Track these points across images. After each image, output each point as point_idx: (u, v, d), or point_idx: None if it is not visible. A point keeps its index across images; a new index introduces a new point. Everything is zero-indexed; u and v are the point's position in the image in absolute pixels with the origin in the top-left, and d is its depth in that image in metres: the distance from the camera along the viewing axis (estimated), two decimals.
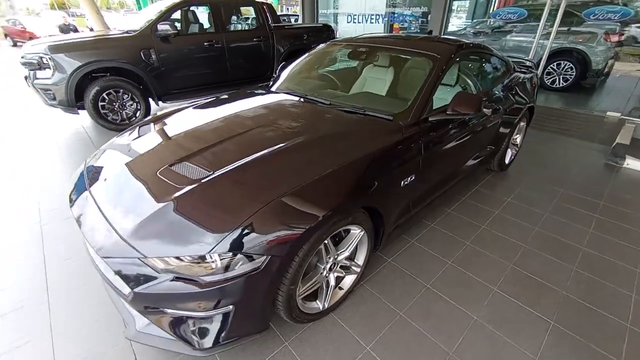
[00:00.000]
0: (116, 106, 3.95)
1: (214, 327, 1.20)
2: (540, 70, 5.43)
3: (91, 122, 4.32)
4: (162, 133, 1.73)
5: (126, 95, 4.00)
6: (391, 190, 1.58)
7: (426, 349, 1.47)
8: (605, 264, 2.02)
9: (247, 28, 5.41)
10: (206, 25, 4.73)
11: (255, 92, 2.37)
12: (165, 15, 4.14)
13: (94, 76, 3.81)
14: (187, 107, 2.09)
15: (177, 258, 1.10)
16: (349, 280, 1.69)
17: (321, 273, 1.49)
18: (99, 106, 3.82)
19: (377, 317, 1.63)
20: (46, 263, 1.93)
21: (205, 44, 4.46)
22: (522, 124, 3.12)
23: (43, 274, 1.85)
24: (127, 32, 4.05)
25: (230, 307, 1.17)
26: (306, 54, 2.68)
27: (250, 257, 1.13)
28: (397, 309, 1.67)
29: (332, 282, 1.57)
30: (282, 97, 2.15)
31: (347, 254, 1.57)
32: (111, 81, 3.83)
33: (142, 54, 3.93)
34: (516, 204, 2.64)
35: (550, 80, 6.11)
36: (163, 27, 4.00)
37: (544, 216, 2.48)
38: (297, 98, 2.10)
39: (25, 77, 3.74)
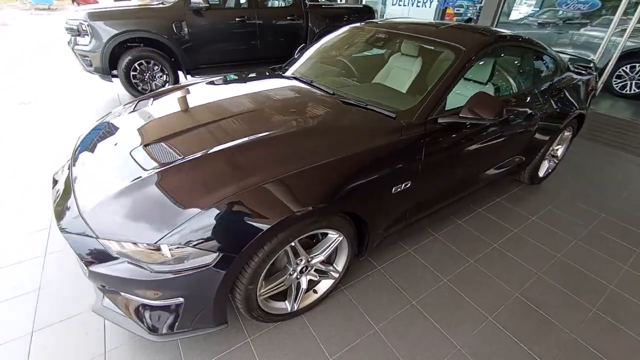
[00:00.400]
0: (147, 77, 4.08)
1: (167, 316, 1.18)
2: (607, 72, 4.69)
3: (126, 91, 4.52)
4: (153, 110, 1.71)
5: (157, 67, 4.10)
6: (379, 196, 1.43)
7: None
8: (635, 310, 1.71)
9: (282, 5, 5.25)
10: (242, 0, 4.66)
11: (266, 73, 2.28)
12: None
13: (128, 45, 3.94)
14: (190, 84, 2.05)
15: (134, 243, 1.07)
16: (325, 284, 1.59)
17: (290, 275, 1.41)
18: (131, 75, 3.96)
19: (349, 327, 1.52)
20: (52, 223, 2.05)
21: (237, 19, 4.40)
22: (566, 133, 2.72)
23: (46, 234, 1.97)
24: (162, 3, 4.10)
25: (181, 299, 1.14)
26: (328, 37, 2.50)
27: (200, 252, 1.07)
28: (373, 322, 1.55)
29: (304, 285, 1.49)
30: (288, 82, 2.03)
31: (321, 258, 1.46)
32: (143, 51, 3.93)
33: (174, 26, 3.98)
34: (541, 224, 2.33)
35: (621, 84, 5.28)
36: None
37: (572, 243, 2.16)
38: (303, 84, 1.97)
39: (68, 43, 3.96)
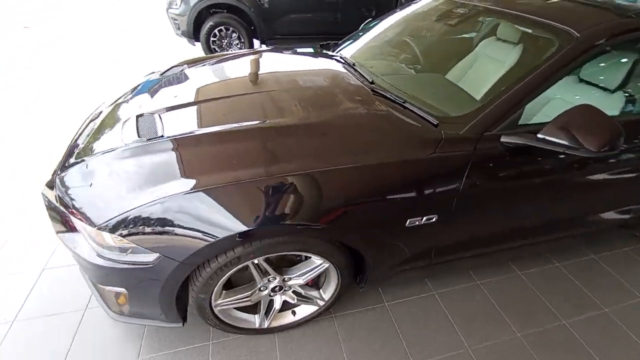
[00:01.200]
0: (224, 43, 4.19)
1: (117, 299, 1.11)
2: None
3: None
4: (180, 77, 1.61)
5: (235, 34, 4.17)
6: (384, 228, 1.08)
7: None
8: None
9: None
10: None
11: (312, 50, 2.00)
12: None
13: (214, 11, 4.07)
14: (230, 55, 1.90)
15: (82, 220, 0.99)
16: (305, 309, 1.34)
17: (260, 290, 1.20)
18: (210, 41, 4.12)
19: (325, 351, 1.27)
20: None
21: None
22: None
23: None
24: None
25: (123, 290, 1.04)
26: (400, 12, 2.06)
27: (141, 249, 0.93)
28: None
29: (277, 306, 1.27)
30: (324, 62, 1.72)
31: (301, 281, 1.21)
32: (224, 18, 4.01)
33: None
34: None
35: None
36: None
37: None
38: (342, 67, 1.64)
39: (166, 9, 4.29)
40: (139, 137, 1.12)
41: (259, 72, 1.62)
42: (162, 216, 0.91)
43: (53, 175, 1.15)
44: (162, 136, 1.11)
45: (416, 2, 2.09)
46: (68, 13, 5.81)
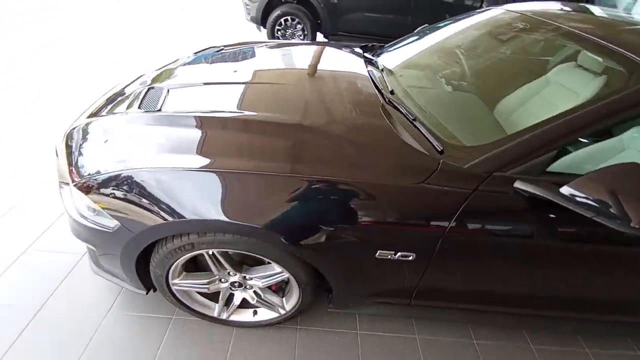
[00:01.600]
0: (288, 33, 4.27)
1: (92, 255, 1.20)
2: None
3: None
4: (218, 59, 1.64)
5: (299, 25, 4.21)
6: (349, 253, 0.97)
7: None
8: None
9: None
10: None
11: (353, 49, 1.90)
12: None
13: (285, 1, 4.16)
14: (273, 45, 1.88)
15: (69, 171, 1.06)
16: (267, 313, 1.29)
17: (221, 281, 1.18)
18: (275, 29, 4.23)
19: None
20: None
21: None
22: None
23: None
24: None
25: (93, 247, 1.11)
26: (461, 21, 1.84)
27: (105, 214, 0.97)
28: None
29: (236, 302, 1.24)
30: (357, 65, 1.61)
31: (259, 284, 1.16)
32: (292, 8, 4.08)
33: None
34: None
35: None
36: None
37: None
38: (366, 71, 1.52)
39: None
40: (139, 108, 1.17)
41: (271, 65, 1.58)
42: (129, 187, 0.93)
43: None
44: (160, 110, 1.15)
45: (483, 12, 1.85)
46: (68, 13, 5.74)
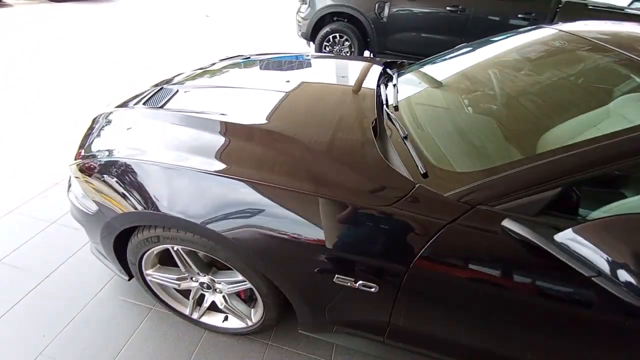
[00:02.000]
0: (335, 49, 4.34)
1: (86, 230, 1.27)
2: None
3: None
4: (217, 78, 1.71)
5: (347, 42, 4.26)
6: (305, 270, 0.89)
7: None
8: None
9: None
10: None
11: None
12: None
13: (336, 19, 4.26)
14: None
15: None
16: (236, 322, 1.25)
17: (192, 280, 1.17)
18: (323, 45, 4.34)
19: None
20: None
21: (447, 8, 3.78)
22: None
23: None
24: None
25: (80, 225, 1.19)
26: (504, 39, 1.66)
27: (88, 196, 1.04)
28: None
29: (206, 304, 1.23)
30: (371, 77, 1.54)
31: (225, 289, 1.12)
32: (342, 26, 4.15)
33: (376, 5, 3.90)
34: None
35: None
36: None
37: None
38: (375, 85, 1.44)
39: (296, 12, 4.72)
40: (143, 104, 1.26)
41: (283, 75, 1.57)
42: (109, 174, 0.99)
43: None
44: (161, 107, 1.22)
45: (529, 31, 1.66)
46: (66, 14, 5.78)
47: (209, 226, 0.87)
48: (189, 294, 1.23)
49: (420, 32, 3.97)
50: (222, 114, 1.14)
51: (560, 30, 1.46)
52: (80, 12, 6.13)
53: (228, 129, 1.07)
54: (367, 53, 4.39)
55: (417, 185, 0.82)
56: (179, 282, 1.18)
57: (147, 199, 0.93)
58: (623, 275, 0.58)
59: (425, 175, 0.87)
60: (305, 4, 4.31)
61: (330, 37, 4.26)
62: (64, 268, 1.51)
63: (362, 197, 0.82)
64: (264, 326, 1.19)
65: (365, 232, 0.81)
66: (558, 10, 3.62)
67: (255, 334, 1.31)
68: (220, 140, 1.02)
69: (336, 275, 0.86)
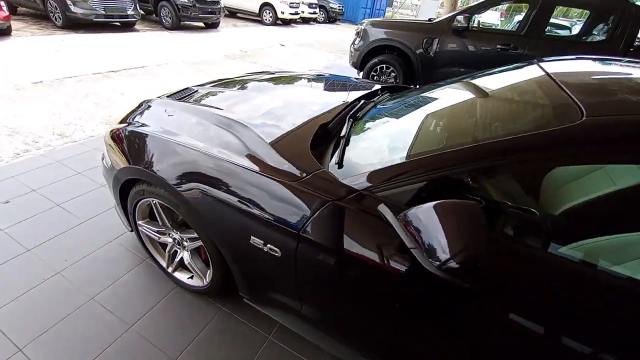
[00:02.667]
0: (382, 79, 4.56)
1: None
2: None
3: None
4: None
5: (393, 73, 4.46)
6: (229, 228, 1.07)
7: None
8: None
9: (585, 37, 3.76)
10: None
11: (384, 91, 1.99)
12: (474, 8, 3.85)
13: (386, 51, 4.52)
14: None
15: None
16: (196, 280, 1.46)
17: (169, 235, 1.44)
18: (370, 75, 4.60)
19: (182, 333, 1.37)
20: None
21: (498, 46, 3.73)
22: None
23: None
24: (430, 19, 4.23)
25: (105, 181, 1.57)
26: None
27: (107, 156, 1.42)
28: (169, 354, 1.29)
29: (177, 258, 1.47)
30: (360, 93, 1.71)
31: (188, 246, 1.36)
32: (389, 58, 4.38)
33: (424, 41, 4.06)
34: None
35: None
36: (460, 17, 3.78)
37: None
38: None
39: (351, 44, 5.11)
40: (167, 97, 1.64)
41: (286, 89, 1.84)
42: (127, 140, 1.34)
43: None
44: (181, 100, 1.58)
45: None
46: (182, 39, 6.97)
47: (175, 186, 1.13)
48: (166, 248, 1.50)
49: (467, 68, 3.96)
50: (219, 109, 1.44)
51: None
52: (195, 38, 7.63)
53: (217, 119, 1.35)
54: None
55: (321, 170, 0.96)
56: (159, 235, 1.46)
57: (143, 160, 1.24)
58: (432, 248, 0.64)
59: (340, 166, 1.00)
60: (360, 37, 4.68)
61: (378, 67, 4.51)
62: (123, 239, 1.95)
63: (279, 173, 1.00)
64: (216, 285, 1.38)
65: (274, 201, 0.98)
66: (630, 51, 3.29)
67: (214, 298, 1.51)
68: (208, 125, 1.30)
69: (251, 237, 1.03)
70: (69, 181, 2.20)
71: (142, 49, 5.94)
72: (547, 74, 1.03)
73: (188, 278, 1.50)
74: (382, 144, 1.14)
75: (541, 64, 1.20)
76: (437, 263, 0.65)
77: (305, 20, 13.96)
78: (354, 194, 0.88)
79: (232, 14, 12.54)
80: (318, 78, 2.08)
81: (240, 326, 1.43)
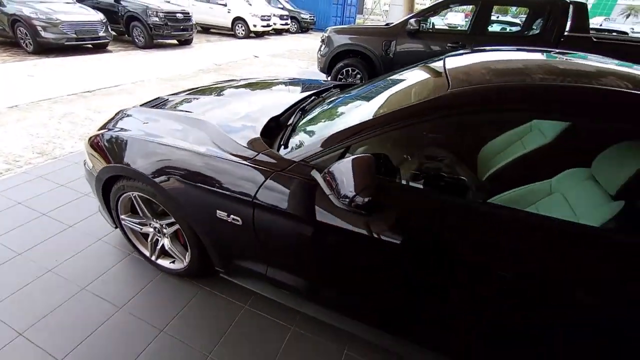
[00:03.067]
0: (348, 80, 4.87)
1: None
2: None
3: None
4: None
5: (359, 75, 4.78)
6: (198, 208, 1.28)
7: None
8: None
9: (518, 33, 4.18)
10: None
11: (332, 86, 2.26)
12: (425, 12, 4.22)
13: (350, 56, 4.85)
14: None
15: None
16: (178, 264, 1.65)
17: (150, 225, 1.63)
18: (337, 77, 4.91)
19: (166, 304, 1.55)
20: None
21: (448, 45, 4.10)
22: None
23: None
24: (387, 24, 4.59)
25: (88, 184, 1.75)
26: None
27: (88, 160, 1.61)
28: (156, 326, 1.47)
29: (159, 246, 1.66)
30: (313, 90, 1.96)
31: (167, 232, 1.56)
32: (354, 61, 4.71)
33: (383, 43, 4.40)
34: None
35: None
36: (412, 21, 4.14)
37: None
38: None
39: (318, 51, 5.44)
40: (140, 105, 1.84)
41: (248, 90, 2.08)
42: (104, 143, 1.53)
43: None
44: (154, 107, 1.79)
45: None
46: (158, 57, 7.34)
47: (152, 177, 1.33)
48: (148, 238, 1.68)
49: None
50: (189, 112, 1.65)
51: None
52: (169, 55, 7.80)
53: (185, 119, 1.56)
54: None
55: (268, 150, 1.19)
56: (141, 227, 1.65)
57: (122, 158, 1.43)
58: (343, 192, 0.88)
59: (286, 146, 1.24)
60: (325, 44, 4.99)
61: (344, 70, 4.82)
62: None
63: (235, 156, 1.22)
64: (195, 265, 1.57)
65: (233, 178, 1.20)
66: (560, 42, 3.70)
67: (195, 280, 1.69)
68: (177, 125, 1.51)
69: (217, 211, 1.24)
70: (52, 193, 2.34)
71: (116, 69, 6.08)
72: (443, 63, 1.30)
73: (170, 263, 1.69)
74: (319, 127, 1.38)
75: (446, 57, 1.48)
76: (347, 201, 0.89)
77: (278, 32, 14.33)
78: (293, 165, 1.11)
79: (205, 29, 12.78)
80: (280, 81, 2.33)
81: (219, 300, 1.62)
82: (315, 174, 1.02)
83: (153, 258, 1.71)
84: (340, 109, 1.47)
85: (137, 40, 8.40)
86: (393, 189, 1.06)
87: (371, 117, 1.08)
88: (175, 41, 9.29)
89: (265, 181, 1.12)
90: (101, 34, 7.31)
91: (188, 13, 8.94)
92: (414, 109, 0.98)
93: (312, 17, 16.25)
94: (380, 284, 1.13)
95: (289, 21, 14.56)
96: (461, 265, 0.94)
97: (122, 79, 5.41)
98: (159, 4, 8.43)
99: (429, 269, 1.00)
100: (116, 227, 1.77)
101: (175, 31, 8.62)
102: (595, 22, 16.80)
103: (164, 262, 1.71)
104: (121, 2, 8.22)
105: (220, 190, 1.21)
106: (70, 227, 2.03)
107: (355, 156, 0.91)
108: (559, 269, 0.84)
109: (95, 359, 1.33)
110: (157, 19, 8.11)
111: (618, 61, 1.22)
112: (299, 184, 1.09)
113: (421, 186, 1.17)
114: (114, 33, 7.93)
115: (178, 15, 8.58)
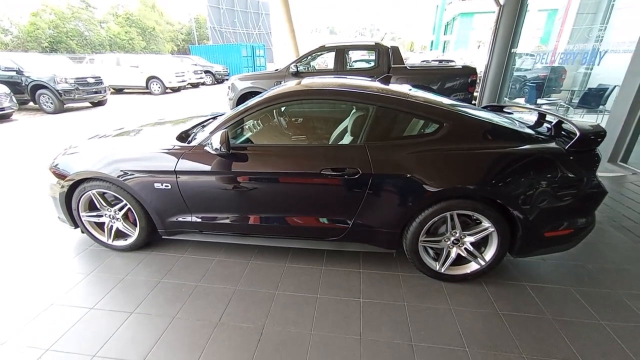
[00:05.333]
0: None
1: None
2: None
3: None
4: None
5: None
6: (144, 186, 2.12)
7: None
8: None
9: (366, 67, 5.97)
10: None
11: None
12: (301, 59, 5.72)
13: (252, 96, 6.05)
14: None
15: None
16: (128, 240, 2.38)
17: (104, 214, 2.35)
18: None
19: (120, 270, 2.24)
20: None
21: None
22: None
23: None
24: (276, 70, 6.00)
25: (53, 202, 2.42)
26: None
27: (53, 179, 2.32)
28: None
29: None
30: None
31: (119, 215, 2.32)
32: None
33: (275, 84, 5.72)
34: None
35: None
36: (292, 65, 5.58)
37: None
38: None
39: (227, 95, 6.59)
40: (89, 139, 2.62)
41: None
42: (63, 164, 2.26)
43: None
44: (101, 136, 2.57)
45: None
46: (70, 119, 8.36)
47: (107, 173, 2.12)
48: (104, 226, 2.38)
49: None
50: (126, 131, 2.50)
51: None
52: (82, 117, 7.96)
53: (126, 135, 2.40)
54: None
55: (180, 144, 2.14)
56: (98, 218, 2.35)
57: (81, 166, 2.19)
58: (214, 146, 1.88)
59: (190, 142, 2.19)
60: (231, 89, 6.15)
61: None
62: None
63: (162, 150, 2.12)
64: (144, 234, 2.31)
65: (161, 162, 2.08)
66: (388, 74, 5.45)
67: (144, 249, 2.41)
68: (115, 141, 2.35)
69: (154, 184, 2.10)
70: None
71: (21, 139, 5.97)
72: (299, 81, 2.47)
73: (123, 241, 2.40)
74: (206, 129, 2.40)
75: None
76: (217, 151, 1.88)
77: (195, 85, 15.32)
78: (194, 147, 2.07)
79: (119, 90, 13.06)
80: (190, 116, 3.29)
81: (162, 257, 2.37)
82: (206, 147, 2.00)
83: (109, 242, 2.39)
84: (214, 122, 2.53)
85: (45, 107, 8.47)
86: (238, 147, 2.08)
87: (230, 115, 2.12)
88: (88, 103, 9.54)
89: (180, 158, 2.05)
90: (5, 104, 7.35)
91: (99, 77, 9.39)
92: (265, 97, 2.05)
93: (225, 69, 17.76)
94: (240, 200, 2.10)
95: (203, 75, 15.72)
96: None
97: (28, 149, 5.35)
98: (67, 70, 8.76)
99: (254, 189, 2.03)
100: (76, 227, 2.42)
101: (88, 94, 8.95)
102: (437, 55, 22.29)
103: (118, 242, 2.40)
104: (24, 73, 8.32)
105: (155, 169, 2.08)
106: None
107: (220, 131, 1.92)
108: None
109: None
110: (67, 84, 8.40)
111: (352, 76, 2.54)
112: (198, 154, 2.04)
113: (251, 143, 2.24)
114: (16, 103, 7.85)
115: (89, 79, 8.99)
